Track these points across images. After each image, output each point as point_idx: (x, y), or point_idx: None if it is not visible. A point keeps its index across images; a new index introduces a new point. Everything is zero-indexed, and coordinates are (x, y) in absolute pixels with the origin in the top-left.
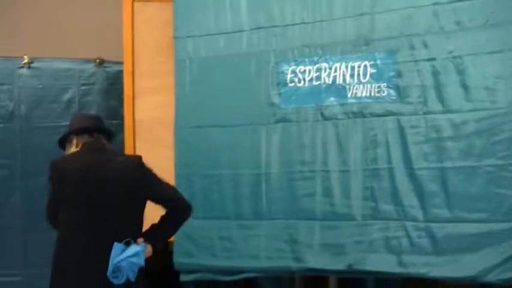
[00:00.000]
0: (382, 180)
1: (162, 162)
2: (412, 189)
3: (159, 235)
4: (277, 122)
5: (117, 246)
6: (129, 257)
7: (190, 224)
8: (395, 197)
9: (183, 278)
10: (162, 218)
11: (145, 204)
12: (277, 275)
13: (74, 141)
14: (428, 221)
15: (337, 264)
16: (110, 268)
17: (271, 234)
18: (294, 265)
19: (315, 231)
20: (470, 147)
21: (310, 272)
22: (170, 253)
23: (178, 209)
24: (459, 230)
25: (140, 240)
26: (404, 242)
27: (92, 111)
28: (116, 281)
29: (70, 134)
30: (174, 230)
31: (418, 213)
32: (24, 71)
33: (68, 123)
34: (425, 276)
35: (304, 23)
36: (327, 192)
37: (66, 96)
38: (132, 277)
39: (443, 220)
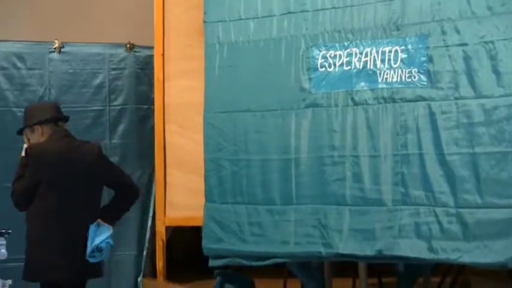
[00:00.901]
0: (413, 166)
1: (192, 146)
2: (443, 175)
3: (114, 217)
4: (307, 107)
5: (91, 228)
6: (107, 237)
7: (218, 209)
8: (425, 182)
9: (212, 263)
10: (115, 200)
11: (102, 188)
12: (306, 260)
13: (40, 131)
14: (459, 207)
15: (366, 249)
16: (89, 249)
17: (300, 220)
18: (323, 250)
19: (345, 216)
20: (501, 133)
21: (340, 258)
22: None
23: (131, 193)
24: (489, 215)
25: (100, 221)
26: (435, 227)
27: (122, 96)
28: (93, 260)
29: (35, 124)
30: (124, 213)
31: (449, 199)
32: (55, 55)
33: (97, 108)
34: (455, 262)
35: (334, 7)
36: (357, 178)
37: (97, 81)
38: (106, 257)
39: (474, 206)
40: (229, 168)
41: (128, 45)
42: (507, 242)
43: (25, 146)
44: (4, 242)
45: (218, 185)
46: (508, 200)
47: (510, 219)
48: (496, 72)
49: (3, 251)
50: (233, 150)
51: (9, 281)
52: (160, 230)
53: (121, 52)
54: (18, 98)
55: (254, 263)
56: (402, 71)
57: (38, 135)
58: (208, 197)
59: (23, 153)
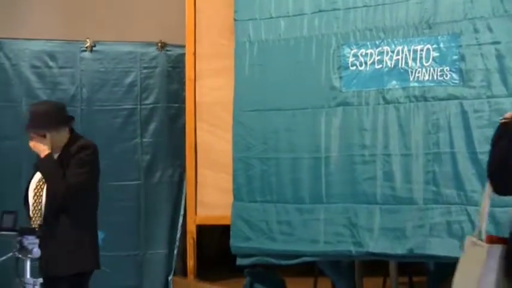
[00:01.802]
0: (444, 165)
1: (223, 145)
2: (475, 174)
3: None
4: (337, 105)
5: None
6: None
7: (247, 208)
8: (457, 181)
9: (240, 261)
10: None
11: None
12: (336, 259)
13: (66, 130)
14: (491, 206)
15: (397, 248)
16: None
17: (330, 219)
18: (353, 249)
19: (375, 215)
20: None
21: (370, 257)
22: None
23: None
24: None
25: None
26: (467, 226)
27: (154, 95)
28: None
29: (63, 124)
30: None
31: (481, 198)
32: (87, 54)
33: (129, 106)
34: None
35: (366, 6)
36: (388, 176)
37: (128, 80)
38: None
39: (506, 205)
40: (258, 166)
41: (160, 44)
42: None
43: (45, 146)
44: (37, 241)
45: (247, 184)
46: None
47: None
48: None
49: (36, 249)
50: (262, 148)
51: (40, 280)
52: (191, 229)
53: (152, 51)
54: (50, 96)
55: (283, 262)
56: (434, 70)
57: (63, 135)
58: (237, 195)
59: (46, 153)
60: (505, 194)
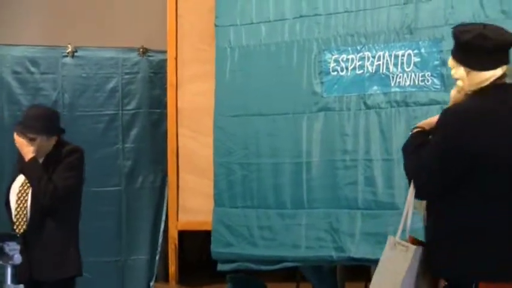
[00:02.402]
0: None
1: (204, 150)
2: None
3: None
4: (319, 110)
5: None
6: None
7: (228, 213)
8: None
9: (220, 267)
10: None
11: None
12: (318, 264)
13: (54, 140)
14: None
15: (379, 253)
16: None
17: (311, 224)
18: (334, 254)
19: (357, 220)
20: None
21: (352, 261)
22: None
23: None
24: None
25: None
26: None
27: (135, 100)
28: None
29: (57, 133)
30: None
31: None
32: (68, 60)
33: (111, 112)
34: None
35: (347, 11)
36: (370, 181)
37: (110, 85)
38: None
39: None
40: (239, 172)
41: (141, 50)
42: None
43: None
44: (18, 247)
45: (228, 189)
46: None
47: None
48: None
49: (17, 255)
50: (243, 154)
51: (21, 286)
52: (173, 234)
53: (134, 56)
54: (31, 102)
55: (264, 267)
56: (415, 75)
57: (50, 144)
58: (218, 201)
59: (31, 156)
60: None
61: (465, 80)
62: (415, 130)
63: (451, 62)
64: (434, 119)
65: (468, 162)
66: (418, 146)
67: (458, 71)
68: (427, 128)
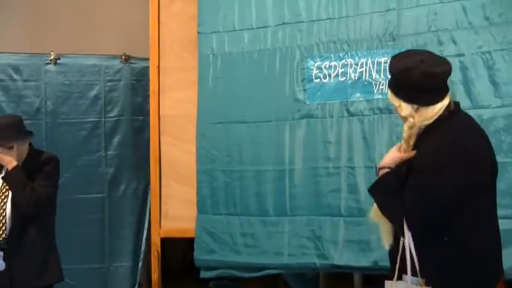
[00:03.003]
0: None
1: (187, 158)
2: None
3: None
4: (301, 117)
5: None
6: None
7: (211, 220)
8: None
9: (204, 274)
10: None
11: None
12: (301, 271)
13: (28, 142)
14: None
15: (362, 261)
16: None
17: (294, 231)
18: (317, 262)
19: (340, 227)
20: (499, 143)
21: (335, 269)
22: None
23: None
24: None
25: None
26: None
27: (118, 107)
28: None
29: (30, 135)
30: None
31: None
32: (51, 67)
33: (93, 119)
34: None
35: (329, 18)
36: (352, 189)
37: (92, 93)
38: None
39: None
40: (222, 179)
41: (124, 57)
42: (505, 252)
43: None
44: (1, 254)
45: (211, 196)
46: (505, 210)
47: (509, 230)
48: (493, 82)
49: (1, 262)
50: (226, 161)
51: None
52: (156, 242)
53: (116, 64)
54: (15, 109)
55: (247, 274)
56: None
57: (25, 148)
58: (201, 208)
59: (14, 164)
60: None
61: (415, 116)
62: (383, 171)
63: (393, 98)
64: (395, 154)
65: (464, 197)
66: (397, 189)
67: (406, 109)
68: (393, 166)
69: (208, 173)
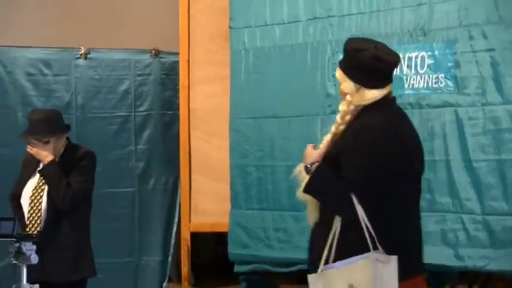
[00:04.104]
0: (439, 172)
1: (216, 152)
2: (470, 182)
3: None
4: (332, 112)
5: None
6: None
7: (244, 215)
8: (452, 189)
9: (237, 269)
10: None
11: None
12: None
13: (64, 137)
14: (486, 214)
15: None
16: None
17: None
18: None
19: None
20: None
21: None
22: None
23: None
24: None
25: None
26: (461, 234)
27: (148, 102)
28: None
29: (67, 131)
30: None
31: (475, 206)
32: (81, 61)
33: (123, 114)
34: (482, 270)
35: (360, 13)
36: None
37: (122, 87)
38: None
39: (501, 213)
40: (255, 174)
41: (153, 51)
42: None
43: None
44: (34, 247)
45: (244, 191)
46: None
47: None
48: None
49: (34, 255)
50: (259, 156)
51: (37, 285)
52: (185, 236)
53: (146, 58)
54: (45, 104)
55: (279, 269)
56: (429, 77)
57: (62, 142)
58: (234, 203)
59: (50, 159)
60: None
61: (354, 95)
62: (314, 165)
63: (340, 75)
64: (315, 150)
65: (393, 173)
66: (332, 178)
67: (348, 86)
68: (320, 159)
69: (241, 168)
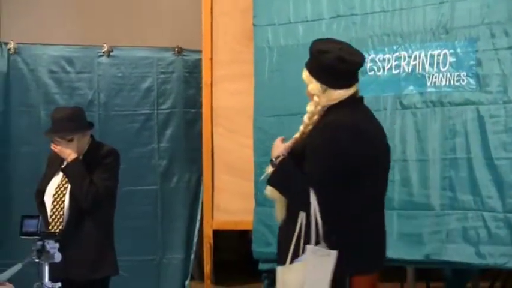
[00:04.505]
0: (461, 170)
1: (239, 150)
2: (491, 180)
3: None
4: None
5: None
6: None
7: (268, 213)
8: (473, 187)
9: (261, 266)
10: None
11: None
12: None
13: (89, 134)
14: (507, 212)
15: (414, 254)
16: None
17: None
18: None
19: (393, 220)
20: None
21: (387, 262)
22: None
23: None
24: None
25: None
26: (482, 232)
27: (170, 100)
28: None
29: (91, 127)
30: None
31: (497, 204)
32: (104, 59)
33: (146, 111)
34: (503, 267)
35: (383, 11)
36: (405, 182)
37: (145, 85)
38: None
39: None
40: None
41: (176, 49)
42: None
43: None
44: (57, 245)
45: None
46: None
47: None
48: None
49: (57, 254)
50: None
51: (58, 284)
52: (208, 234)
53: (169, 56)
54: (68, 101)
55: None
56: (451, 75)
57: (86, 140)
58: (258, 200)
59: (74, 157)
60: None
61: (321, 96)
62: (279, 159)
63: (306, 77)
64: (282, 144)
65: (355, 170)
66: (295, 172)
67: (315, 87)
68: (286, 153)
69: (265, 165)
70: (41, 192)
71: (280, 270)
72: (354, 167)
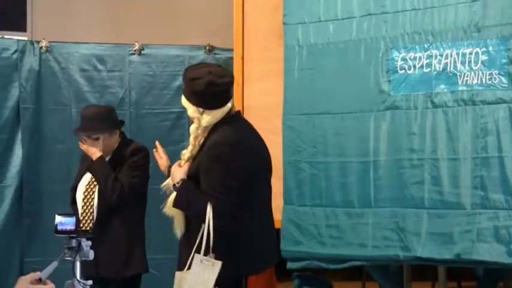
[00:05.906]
0: (492, 169)
1: (270, 148)
2: None
3: None
4: (386, 109)
5: None
6: None
7: (297, 212)
8: (505, 186)
9: (290, 265)
10: None
11: None
12: (384, 263)
13: (118, 133)
14: None
15: (445, 253)
16: None
17: (378, 223)
18: (401, 254)
19: (423, 219)
20: None
21: (418, 261)
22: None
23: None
24: None
25: None
26: None
27: None
28: None
29: (118, 127)
30: None
31: None
32: (135, 57)
33: (177, 110)
34: None
35: (414, 9)
36: (436, 181)
37: (176, 83)
38: None
39: None
40: (307, 170)
41: (207, 48)
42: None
43: (97, 149)
44: (90, 243)
45: (297, 188)
46: None
47: None
48: None
49: (91, 251)
50: (312, 152)
51: (90, 282)
52: None
53: (200, 54)
54: (99, 100)
55: (332, 266)
56: (483, 73)
57: (114, 139)
58: (287, 199)
59: (99, 155)
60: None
61: (201, 118)
62: (180, 183)
63: (184, 102)
64: (180, 169)
65: (248, 180)
66: (194, 191)
67: (193, 111)
68: (184, 176)
69: (294, 164)
70: (74, 188)
71: (177, 274)
72: (243, 178)
